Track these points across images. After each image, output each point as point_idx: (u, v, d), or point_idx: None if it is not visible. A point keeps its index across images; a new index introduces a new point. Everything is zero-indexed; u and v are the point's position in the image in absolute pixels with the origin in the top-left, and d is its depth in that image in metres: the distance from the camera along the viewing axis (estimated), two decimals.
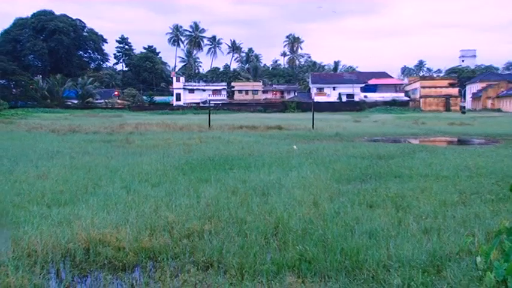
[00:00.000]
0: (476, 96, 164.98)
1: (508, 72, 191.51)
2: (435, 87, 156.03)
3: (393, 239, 9.87)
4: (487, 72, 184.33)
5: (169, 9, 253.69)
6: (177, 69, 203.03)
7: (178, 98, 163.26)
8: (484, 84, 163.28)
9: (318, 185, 15.73)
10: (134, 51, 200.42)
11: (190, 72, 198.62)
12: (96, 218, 11.53)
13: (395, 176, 18.02)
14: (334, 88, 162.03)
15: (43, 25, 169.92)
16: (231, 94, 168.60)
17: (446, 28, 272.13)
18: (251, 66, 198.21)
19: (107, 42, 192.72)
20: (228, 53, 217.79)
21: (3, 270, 8.33)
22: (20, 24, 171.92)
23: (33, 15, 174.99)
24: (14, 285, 7.74)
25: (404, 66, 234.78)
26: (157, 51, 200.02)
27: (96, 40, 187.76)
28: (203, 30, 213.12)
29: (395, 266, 8.40)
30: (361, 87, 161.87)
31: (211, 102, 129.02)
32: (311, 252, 9.08)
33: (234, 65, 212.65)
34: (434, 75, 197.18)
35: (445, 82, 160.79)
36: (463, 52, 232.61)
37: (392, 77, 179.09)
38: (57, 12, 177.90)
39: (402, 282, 7.65)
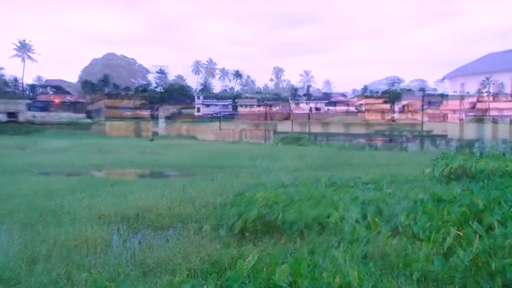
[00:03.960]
0: (401, 110, 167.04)
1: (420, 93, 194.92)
2: (375, 103, 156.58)
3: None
4: (408, 93, 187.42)
5: (191, 49, 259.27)
6: (197, 90, 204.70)
7: (198, 110, 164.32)
8: (406, 102, 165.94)
9: (296, 170, 15.75)
10: (168, 78, 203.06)
11: (206, 92, 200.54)
12: (142, 194, 11.63)
13: (348, 164, 18.01)
14: (306, 103, 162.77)
15: (109, 62, 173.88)
16: (235, 107, 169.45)
17: (381, 63, 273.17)
18: (249, 88, 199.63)
19: (150, 73, 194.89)
20: (233, 79, 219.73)
21: (84, 227, 8.55)
22: (94, 62, 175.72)
23: (103, 56, 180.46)
24: (91, 237, 8.00)
25: (354, 89, 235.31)
26: (184, 78, 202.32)
27: (143, 71, 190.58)
28: (215, 64, 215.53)
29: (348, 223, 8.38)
30: (325, 103, 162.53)
31: (221, 113, 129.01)
32: (292, 216, 9.02)
33: (237, 87, 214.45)
34: (374, 95, 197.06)
35: (381, 100, 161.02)
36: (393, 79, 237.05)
37: (346, 96, 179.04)
38: (118, 54, 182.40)
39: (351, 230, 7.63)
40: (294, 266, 5.34)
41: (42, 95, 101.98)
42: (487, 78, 50.94)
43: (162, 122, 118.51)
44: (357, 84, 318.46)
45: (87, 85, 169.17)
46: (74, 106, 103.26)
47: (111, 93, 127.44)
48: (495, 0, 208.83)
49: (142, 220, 9.52)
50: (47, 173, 20.33)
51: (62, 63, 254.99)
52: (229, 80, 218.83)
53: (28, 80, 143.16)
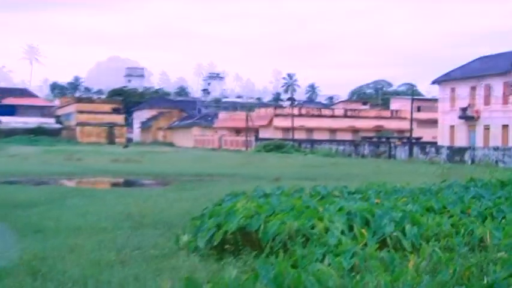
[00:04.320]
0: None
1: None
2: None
3: None
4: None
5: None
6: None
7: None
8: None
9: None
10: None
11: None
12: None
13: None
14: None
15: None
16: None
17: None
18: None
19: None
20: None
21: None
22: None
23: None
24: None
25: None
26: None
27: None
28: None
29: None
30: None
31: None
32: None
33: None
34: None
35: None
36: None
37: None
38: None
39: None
40: (277, 277, 5.34)
41: (7, 98, 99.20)
42: (479, 81, 51.54)
43: (137, 128, 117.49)
44: (343, 88, 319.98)
45: (56, 88, 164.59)
46: (42, 110, 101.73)
47: (83, 96, 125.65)
48: (482, 1, 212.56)
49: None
50: (12, 182, 20.11)
51: (71, 65, 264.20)
52: (207, 83, 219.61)
53: (36, 82, 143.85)
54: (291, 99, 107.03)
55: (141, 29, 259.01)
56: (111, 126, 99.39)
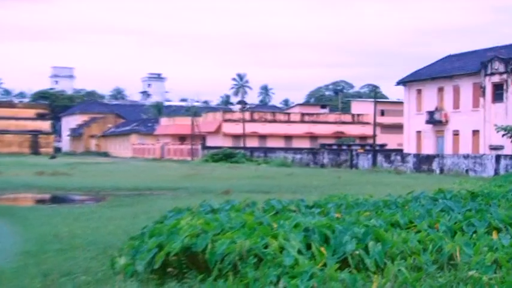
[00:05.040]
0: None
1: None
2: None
3: None
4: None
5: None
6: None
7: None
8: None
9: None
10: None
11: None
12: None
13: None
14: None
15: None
16: None
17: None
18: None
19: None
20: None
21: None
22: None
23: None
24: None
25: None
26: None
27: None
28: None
29: None
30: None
31: None
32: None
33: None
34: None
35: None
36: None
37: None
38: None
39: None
40: None
41: None
42: (447, 82, 52.75)
43: (66, 136, 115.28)
44: (299, 89, 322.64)
45: None
46: None
47: (2, 100, 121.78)
48: None
49: None
50: None
51: None
52: (147, 85, 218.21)
53: None
54: (242, 102, 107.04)
55: (71, 24, 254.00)
56: (36, 134, 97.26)
